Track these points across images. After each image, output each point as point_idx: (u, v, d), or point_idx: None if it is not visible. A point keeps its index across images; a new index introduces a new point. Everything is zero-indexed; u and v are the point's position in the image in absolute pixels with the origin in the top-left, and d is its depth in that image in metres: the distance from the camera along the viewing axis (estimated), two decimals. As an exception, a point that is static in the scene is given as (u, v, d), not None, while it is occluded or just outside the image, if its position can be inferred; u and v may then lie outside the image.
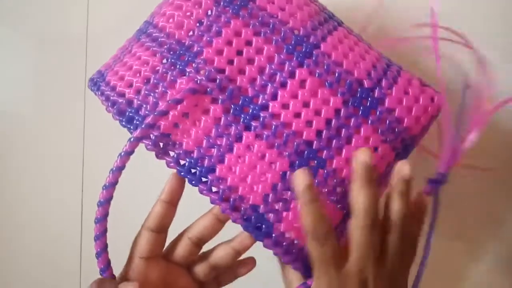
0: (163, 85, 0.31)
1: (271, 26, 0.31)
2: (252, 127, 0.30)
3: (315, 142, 0.30)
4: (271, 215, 0.30)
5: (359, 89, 0.31)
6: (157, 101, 0.31)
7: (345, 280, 0.28)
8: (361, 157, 0.28)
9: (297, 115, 0.30)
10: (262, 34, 0.31)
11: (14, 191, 0.57)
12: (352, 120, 0.31)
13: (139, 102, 0.32)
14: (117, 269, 0.33)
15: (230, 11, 0.31)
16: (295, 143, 0.30)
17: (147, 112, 0.31)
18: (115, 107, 0.32)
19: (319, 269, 0.28)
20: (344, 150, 0.30)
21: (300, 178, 0.28)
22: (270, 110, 0.30)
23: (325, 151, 0.30)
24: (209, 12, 0.32)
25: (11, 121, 0.57)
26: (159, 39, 0.32)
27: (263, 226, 0.30)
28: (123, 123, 0.32)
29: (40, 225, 0.55)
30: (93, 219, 0.32)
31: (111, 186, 0.29)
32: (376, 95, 0.31)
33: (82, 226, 0.53)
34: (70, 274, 0.54)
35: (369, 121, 0.31)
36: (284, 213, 0.30)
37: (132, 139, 0.30)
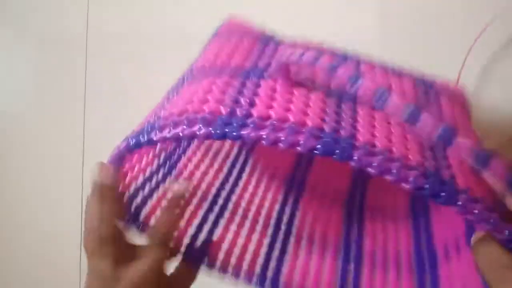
0: (249, 89, 0.27)
1: None
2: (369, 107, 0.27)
3: None
4: (446, 172, 0.25)
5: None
6: (252, 98, 0.26)
7: None
8: None
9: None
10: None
11: (14, 191, 0.57)
12: None
13: (229, 109, 0.25)
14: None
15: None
16: None
17: (244, 112, 0.25)
18: (199, 126, 0.25)
19: None
20: None
21: None
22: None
23: None
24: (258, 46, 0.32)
25: (11, 121, 0.57)
26: (215, 69, 0.29)
27: (442, 189, 0.24)
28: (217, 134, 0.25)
29: (40, 225, 0.56)
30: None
31: None
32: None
33: (82, 226, 0.53)
34: (70, 274, 0.54)
35: None
36: (453, 169, 0.25)
37: None
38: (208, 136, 0.24)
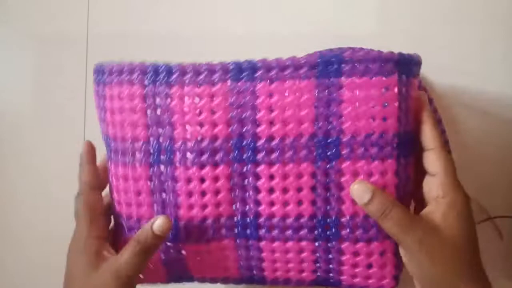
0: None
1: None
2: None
3: None
4: None
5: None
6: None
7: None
8: None
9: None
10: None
11: (14, 191, 0.57)
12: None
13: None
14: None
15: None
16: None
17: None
18: None
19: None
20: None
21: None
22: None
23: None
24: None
25: (11, 121, 0.57)
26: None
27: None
28: None
29: (40, 225, 0.55)
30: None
31: None
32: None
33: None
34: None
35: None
36: None
37: None
38: None
